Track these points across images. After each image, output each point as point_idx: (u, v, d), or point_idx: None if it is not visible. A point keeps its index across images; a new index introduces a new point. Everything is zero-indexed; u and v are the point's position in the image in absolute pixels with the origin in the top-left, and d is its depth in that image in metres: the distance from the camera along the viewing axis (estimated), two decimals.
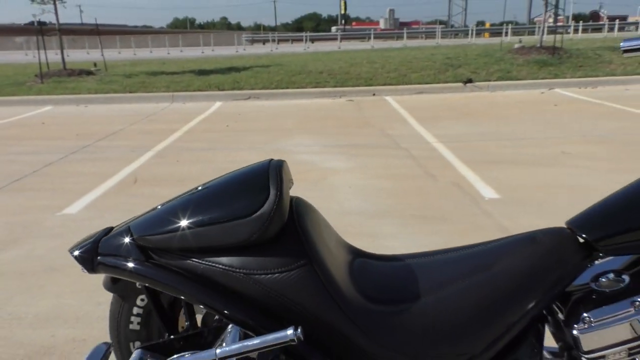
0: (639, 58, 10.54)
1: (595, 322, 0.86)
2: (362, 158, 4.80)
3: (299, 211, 0.91)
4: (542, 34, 11.90)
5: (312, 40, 35.03)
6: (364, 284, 0.92)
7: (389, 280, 0.95)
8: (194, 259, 0.85)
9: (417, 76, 9.87)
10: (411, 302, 0.89)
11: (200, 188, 0.94)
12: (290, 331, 0.74)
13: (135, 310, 1.24)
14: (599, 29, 35.18)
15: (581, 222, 0.93)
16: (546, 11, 13.89)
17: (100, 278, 1.18)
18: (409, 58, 12.32)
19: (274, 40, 33.86)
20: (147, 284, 0.90)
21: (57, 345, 2.02)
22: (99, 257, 0.91)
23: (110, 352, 1.01)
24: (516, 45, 12.47)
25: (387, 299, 0.89)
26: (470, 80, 9.26)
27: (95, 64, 13.37)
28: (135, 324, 1.26)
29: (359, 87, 9.39)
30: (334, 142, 5.50)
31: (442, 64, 10.98)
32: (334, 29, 58.75)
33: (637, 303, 0.86)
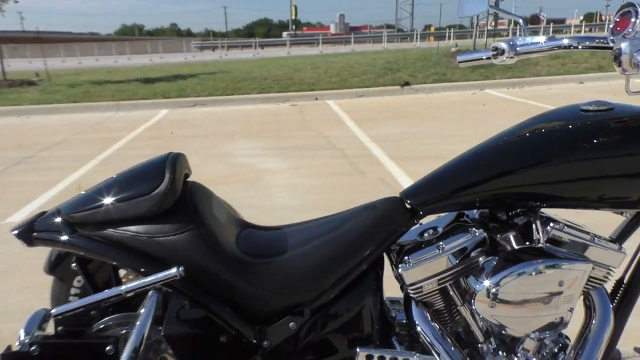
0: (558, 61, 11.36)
1: (412, 262, 1.17)
2: (298, 159, 5.10)
3: (192, 191, 1.19)
4: (475, 38, 12.62)
5: (262, 46, 35.24)
6: (246, 245, 1.20)
7: (267, 243, 1.23)
8: (109, 229, 1.11)
9: (358, 80, 10.29)
10: (281, 255, 1.17)
11: (114, 175, 1.20)
12: (174, 269, 1.01)
13: (73, 290, 1.47)
14: (536, 32, 37.00)
15: (408, 191, 1.25)
16: (488, 16, 14.70)
17: (44, 278, 1.40)
18: (351, 63, 12.77)
19: (223, 47, 33.86)
20: (74, 251, 1.15)
21: (4, 338, 2.20)
22: (34, 233, 1.15)
23: (49, 318, 1.20)
24: (452, 49, 13.17)
25: (263, 254, 1.18)
26: (407, 83, 9.76)
27: (37, 74, 13.12)
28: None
29: (302, 92, 9.72)
30: (273, 145, 5.78)
31: (382, 68, 11.48)
32: (285, 34, 59.12)
33: (441, 246, 1.17)
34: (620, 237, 1.30)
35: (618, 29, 1.19)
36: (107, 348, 0.98)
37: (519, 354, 1.23)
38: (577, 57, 11.60)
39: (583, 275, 1.13)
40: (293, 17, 59.27)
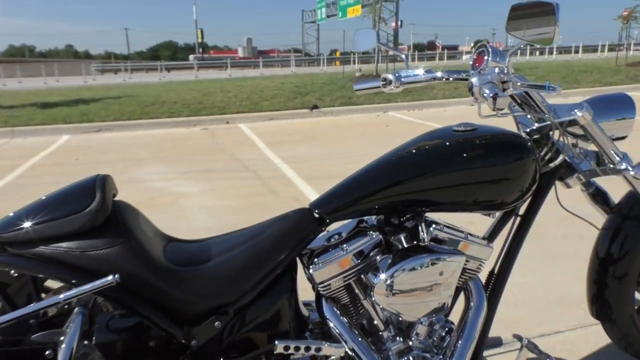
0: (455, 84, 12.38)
1: (321, 263, 1.35)
2: (212, 182, 5.17)
3: (120, 208, 1.29)
4: (377, 64, 13.41)
5: (169, 69, 34.57)
6: (173, 256, 1.31)
7: (192, 253, 1.36)
8: (41, 246, 1.18)
9: (268, 104, 10.52)
10: (205, 263, 1.31)
11: (43, 197, 1.27)
12: (110, 277, 1.11)
13: None
14: (433, 58, 39.74)
15: (316, 202, 1.43)
16: (387, 42, 15.63)
17: None
18: (260, 87, 13.00)
19: (127, 70, 32.73)
20: (6, 269, 1.20)
21: None
22: None
23: None
24: (357, 74, 13.86)
25: (189, 263, 1.30)
26: (316, 107, 10.14)
27: None
28: None
29: (213, 115, 9.75)
30: (186, 169, 5.79)
31: (291, 92, 11.82)
32: (191, 57, 58.27)
33: (345, 247, 1.37)
34: (491, 235, 1.59)
35: (476, 64, 1.48)
36: (47, 352, 1.05)
37: (412, 338, 1.44)
38: None
39: (458, 266, 1.38)
40: (199, 40, 58.72)
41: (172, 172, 5.67)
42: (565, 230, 3.29)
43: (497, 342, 2.12)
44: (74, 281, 1.17)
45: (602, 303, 1.81)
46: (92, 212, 1.19)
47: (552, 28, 1.26)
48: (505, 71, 1.37)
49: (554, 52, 34.37)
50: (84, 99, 12.13)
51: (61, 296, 1.10)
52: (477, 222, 1.87)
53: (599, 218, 1.82)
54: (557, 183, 1.66)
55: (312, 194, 4.52)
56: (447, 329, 1.51)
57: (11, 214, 1.24)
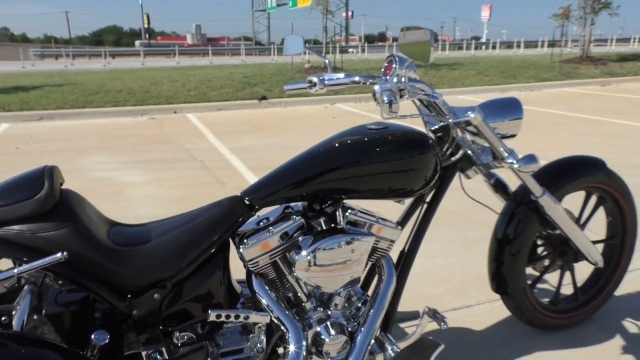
0: None
1: (250, 243, 1.55)
2: (159, 171, 5.24)
3: (67, 196, 1.43)
4: (325, 55, 13.60)
5: (113, 55, 33.43)
6: (116, 237, 1.47)
7: (133, 235, 1.52)
8: None
9: (217, 94, 10.55)
10: (146, 244, 1.47)
11: None
12: (59, 254, 1.26)
13: None
14: (383, 49, 40.36)
15: (247, 189, 1.63)
16: (338, 34, 15.85)
17: None
18: (209, 77, 12.95)
19: (68, 56, 31.40)
20: None
21: None
22: None
23: None
24: (306, 65, 14.03)
25: (130, 244, 1.47)
26: (264, 97, 10.26)
27: None
28: None
29: (160, 105, 9.69)
30: (133, 159, 5.82)
31: (240, 82, 11.87)
32: (137, 43, 56.51)
33: (271, 230, 1.57)
34: (403, 220, 1.83)
35: (387, 71, 1.72)
36: (2, 318, 1.19)
37: (331, 308, 1.67)
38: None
39: (368, 246, 1.61)
40: (146, 26, 56.99)
41: (118, 161, 5.69)
42: (486, 218, 3.63)
43: (416, 315, 2.39)
44: (25, 259, 1.31)
45: (500, 279, 2.10)
46: (41, 198, 1.33)
47: (428, 50, 1.50)
48: (403, 80, 1.60)
49: (498, 47, 35.75)
50: (23, 86, 11.70)
51: (15, 270, 1.25)
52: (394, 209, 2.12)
53: (500, 205, 2.11)
54: (460, 175, 1.92)
55: None
56: (363, 301, 1.74)
57: None
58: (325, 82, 1.82)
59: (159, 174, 5.13)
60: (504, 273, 2.08)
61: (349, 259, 1.58)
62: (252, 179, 4.92)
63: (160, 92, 10.67)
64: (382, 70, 1.77)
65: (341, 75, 1.83)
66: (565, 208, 2.07)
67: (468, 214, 3.63)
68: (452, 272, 2.86)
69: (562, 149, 5.86)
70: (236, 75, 13.21)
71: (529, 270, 2.18)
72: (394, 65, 1.69)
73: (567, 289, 2.34)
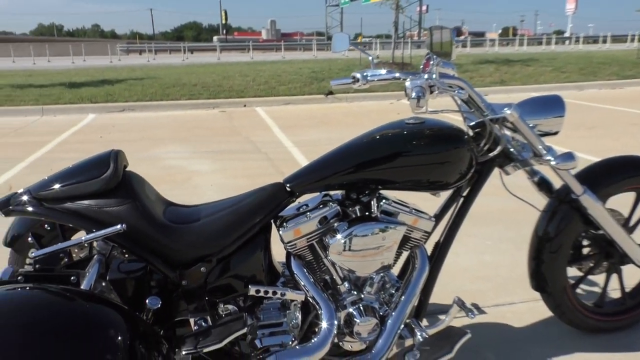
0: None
1: (289, 226, 1.68)
2: (225, 161, 5.54)
3: (130, 176, 1.64)
4: (394, 51, 13.56)
5: (192, 50, 35.01)
6: (170, 215, 1.66)
7: (186, 214, 1.70)
8: (68, 203, 1.54)
9: (285, 88, 10.84)
10: (195, 222, 1.65)
11: (70, 165, 1.63)
12: (119, 226, 1.46)
13: (28, 260, 1.87)
14: (457, 45, 39.22)
15: (289, 177, 1.77)
16: (412, 28, 15.76)
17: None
18: (279, 72, 13.30)
19: (151, 51, 33.26)
20: (43, 219, 1.57)
21: None
22: (10, 207, 1.55)
23: (16, 272, 1.58)
24: (375, 61, 13.99)
25: (182, 222, 1.65)
26: (331, 93, 10.41)
27: None
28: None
29: (231, 98, 10.12)
30: (202, 149, 6.17)
31: (308, 77, 12.10)
32: (215, 38, 58.58)
33: (309, 215, 1.69)
34: (441, 213, 1.90)
35: (425, 68, 1.79)
36: (72, 277, 1.40)
37: (365, 291, 1.77)
38: (483, 71, 12.83)
39: (399, 234, 1.69)
40: (223, 22, 58.98)
41: (189, 151, 6.06)
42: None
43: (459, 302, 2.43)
44: (94, 230, 1.53)
45: (540, 277, 2.10)
46: (106, 178, 1.54)
47: (449, 46, 1.56)
48: (433, 77, 1.67)
49: (581, 42, 33.76)
50: (109, 79, 12.61)
51: (82, 238, 1.46)
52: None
53: (544, 203, 2.11)
54: (500, 171, 1.95)
55: None
56: (396, 287, 1.83)
57: (46, 177, 1.60)
58: (368, 77, 1.92)
59: (225, 164, 5.42)
60: (543, 271, 2.08)
61: (380, 246, 1.67)
62: None
63: (232, 86, 11.13)
64: (421, 67, 1.84)
65: (383, 71, 1.92)
66: (613, 209, 2.04)
67: (524, 213, 3.57)
68: (498, 270, 2.86)
69: (636, 149, 5.55)
70: (305, 70, 13.47)
71: (575, 271, 2.16)
72: (431, 62, 1.76)
73: (617, 292, 2.29)
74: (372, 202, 1.74)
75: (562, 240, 2.03)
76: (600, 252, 2.14)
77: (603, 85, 11.44)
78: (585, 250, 2.18)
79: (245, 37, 64.79)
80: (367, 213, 1.73)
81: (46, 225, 1.83)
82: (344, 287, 1.78)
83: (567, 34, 44.71)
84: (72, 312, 1.20)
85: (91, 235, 1.47)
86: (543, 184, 2.09)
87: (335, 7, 55.08)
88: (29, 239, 1.84)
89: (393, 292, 1.83)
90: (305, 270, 1.72)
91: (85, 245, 1.88)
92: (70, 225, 1.60)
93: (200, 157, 5.77)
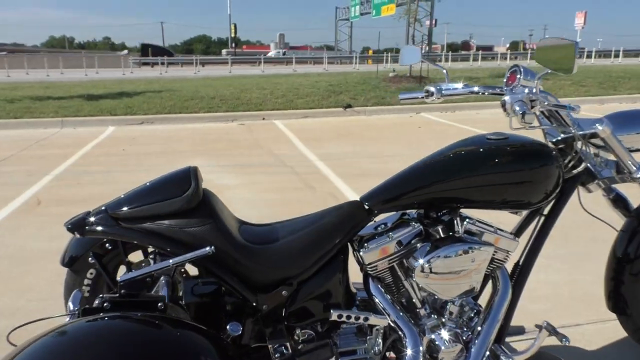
0: None
1: (370, 247, 1.59)
2: (252, 175, 5.47)
3: (207, 194, 1.56)
4: (411, 65, 13.51)
5: (203, 64, 35.22)
6: (247, 236, 1.58)
7: (262, 234, 1.62)
8: (147, 223, 1.46)
9: (303, 102, 10.81)
10: (274, 243, 1.57)
11: (147, 183, 1.55)
12: (207, 248, 1.38)
13: (86, 281, 1.78)
14: (467, 59, 39.30)
15: (366, 195, 1.68)
16: (422, 42, 15.80)
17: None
18: (295, 85, 13.29)
19: (163, 64, 33.51)
20: (119, 239, 1.49)
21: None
22: (87, 227, 1.48)
23: (83, 298, 1.52)
24: (390, 74, 14.00)
25: (261, 242, 1.56)
26: (349, 106, 10.37)
27: None
28: (85, 292, 1.80)
29: (249, 111, 10.09)
30: (227, 162, 6.11)
31: (325, 90, 12.07)
32: (224, 51, 59.05)
33: (390, 235, 1.61)
34: (518, 231, 1.80)
35: (509, 82, 1.71)
36: (159, 304, 1.31)
37: (445, 316, 1.68)
38: (502, 84, 12.73)
39: (487, 256, 1.60)
40: (232, 35, 59.48)
41: (214, 165, 6.00)
42: (594, 234, 3.45)
43: (521, 330, 2.32)
44: (169, 250, 1.45)
45: (618, 298, 2.00)
46: (188, 196, 1.46)
47: (572, 61, 1.47)
48: (534, 91, 1.59)
49: (593, 56, 33.67)
50: (127, 92, 12.64)
51: (170, 261, 1.38)
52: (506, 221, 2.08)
53: (619, 221, 2.01)
54: (580, 188, 1.86)
55: (347, 191, 4.76)
56: (475, 311, 1.73)
57: (122, 196, 1.53)
58: (443, 91, 1.84)
59: (252, 178, 5.35)
60: (623, 293, 1.98)
61: (468, 268, 1.58)
62: (341, 185, 5.00)
63: (250, 99, 11.11)
64: (505, 80, 1.76)
65: (459, 85, 1.84)
66: None
67: (574, 229, 3.46)
68: (557, 289, 2.75)
69: None
70: (321, 83, 13.45)
71: None
72: (518, 76, 1.68)
73: None
74: (455, 221, 1.65)
75: None
76: None
77: (624, 99, 11.33)
78: None
79: (254, 50, 65.23)
80: (450, 233, 1.64)
81: (107, 245, 1.75)
82: (424, 311, 1.68)
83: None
84: (171, 342, 1.11)
85: (179, 258, 1.39)
86: (619, 201, 1.99)
87: (344, 22, 55.48)
88: (90, 259, 1.76)
89: (472, 315, 1.73)
90: (387, 295, 1.63)
91: (142, 264, 1.80)
92: (150, 246, 1.51)
93: (226, 171, 5.70)
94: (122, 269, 1.81)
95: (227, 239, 1.47)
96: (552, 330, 1.69)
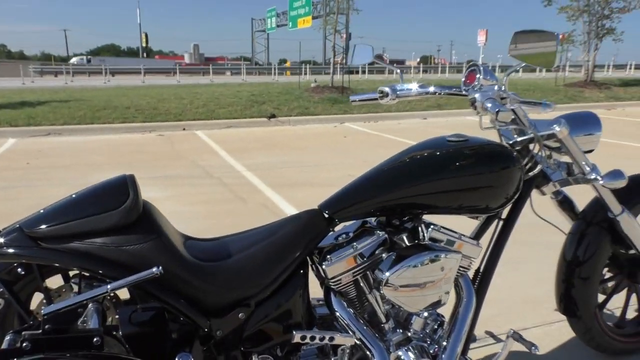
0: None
1: (334, 259, 1.45)
2: (177, 188, 5.14)
3: (147, 206, 1.34)
4: (332, 76, 13.66)
5: (113, 73, 33.44)
6: (194, 252, 1.37)
7: (211, 250, 1.42)
8: (75, 242, 1.21)
9: (225, 111, 10.50)
10: (228, 259, 1.37)
11: (73, 195, 1.30)
12: (154, 269, 1.16)
13: None
14: (382, 71, 40.58)
15: (325, 203, 1.54)
16: (340, 54, 16.03)
17: None
18: (216, 94, 12.92)
19: (68, 73, 31.37)
20: (39, 263, 1.22)
21: None
22: None
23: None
24: (312, 85, 14.04)
25: (211, 259, 1.37)
26: (273, 116, 10.22)
27: None
28: None
29: (168, 122, 9.62)
30: (148, 175, 5.71)
31: (248, 100, 11.83)
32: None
33: (355, 245, 1.48)
34: (476, 236, 1.74)
35: (467, 81, 1.65)
36: (95, 339, 1.08)
37: (410, 330, 1.57)
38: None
39: (457, 263, 1.52)
40: (144, 45, 57.25)
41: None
42: (528, 238, 3.54)
43: (473, 338, 2.28)
44: (101, 272, 1.21)
45: (569, 300, 2.00)
46: (127, 209, 1.24)
47: (553, 53, 1.43)
48: (503, 88, 1.54)
49: (497, 70, 36.09)
50: (29, 101, 11.60)
51: (108, 286, 1.14)
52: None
53: (566, 224, 2.03)
54: (534, 192, 1.84)
55: (280, 202, 4.60)
56: (438, 322, 1.64)
57: (42, 210, 1.27)
58: (398, 92, 1.75)
59: (177, 190, 5.03)
60: (573, 295, 1.98)
61: (437, 277, 1.48)
62: (272, 195, 4.82)
63: (168, 109, 10.61)
64: (463, 80, 1.69)
65: (414, 85, 1.76)
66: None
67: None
68: (500, 293, 2.76)
69: None
70: (243, 93, 13.18)
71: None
72: (477, 75, 1.62)
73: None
74: (420, 229, 1.55)
75: (593, 264, 1.95)
76: (622, 273, 2.09)
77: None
78: (605, 270, 2.12)
79: (167, 60, 63.22)
80: (415, 241, 1.54)
81: (18, 269, 1.47)
82: (388, 325, 1.56)
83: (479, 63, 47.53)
84: None
85: (120, 282, 1.15)
86: (566, 204, 2.01)
87: (261, 33, 55.38)
88: None
89: (435, 327, 1.64)
90: (351, 310, 1.49)
91: (63, 290, 1.54)
92: (78, 269, 1.26)
93: (148, 183, 5.32)
94: (37, 297, 1.53)
95: (174, 257, 1.27)
96: (519, 339, 1.63)
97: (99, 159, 6.67)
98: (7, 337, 1.16)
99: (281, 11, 29.77)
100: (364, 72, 34.14)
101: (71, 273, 1.56)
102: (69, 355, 0.98)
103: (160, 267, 1.16)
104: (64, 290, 1.56)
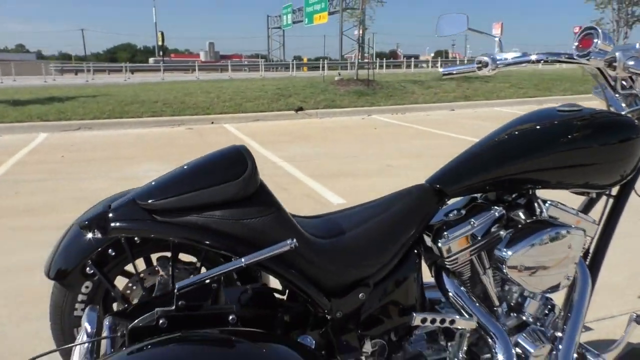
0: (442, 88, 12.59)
1: (451, 237, 1.35)
2: None
3: (261, 180, 1.26)
4: (357, 69, 13.53)
5: (132, 71, 33.66)
6: (306, 229, 1.29)
7: (323, 227, 1.33)
8: (193, 215, 1.13)
9: (252, 105, 10.43)
10: (342, 235, 1.28)
11: (185, 166, 1.22)
12: (289, 241, 1.06)
13: (80, 297, 1.41)
14: (398, 66, 40.23)
15: (434, 177, 1.43)
16: (358, 49, 15.89)
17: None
18: (241, 89, 12.87)
19: (88, 71, 31.65)
20: (157, 237, 1.13)
21: None
22: (111, 223, 1.12)
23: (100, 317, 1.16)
24: (336, 78, 13.91)
25: (328, 236, 1.28)
26: (301, 108, 10.13)
27: None
28: (79, 310, 1.43)
29: (197, 115, 9.59)
30: None
31: (274, 94, 11.76)
32: (151, 60, 57.03)
33: (472, 222, 1.37)
34: (584, 211, 1.62)
35: (581, 46, 1.52)
36: (231, 317, 0.99)
37: (525, 313, 1.46)
38: (446, 87, 13.00)
39: (582, 240, 1.40)
40: (160, 43, 57.60)
41: (169, 169, 5.53)
42: None
43: None
44: (233, 250, 1.13)
45: None
46: (246, 179, 1.15)
47: None
48: (637, 46, 1.41)
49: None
50: (57, 97, 11.67)
51: (243, 259, 1.05)
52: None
53: None
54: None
55: (323, 191, 4.50)
56: (549, 306, 1.53)
57: (152, 183, 1.19)
58: (498, 61, 1.63)
59: None
60: None
61: (564, 255, 1.37)
62: (315, 185, 4.73)
63: (196, 102, 10.58)
64: (575, 45, 1.57)
65: (516, 54, 1.64)
66: None
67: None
68: None
69: None
70: (269, 87, 13.10)
71: None
72: (595, 40, 1.50)
73: None
74: (536, 204, 1.43)
75: None
76: None
77: (559, 100, 11.87)
78: None
79: (184, 58, 63.49)
80: (533, 217, 1.42)
81: (109, 251, 1.39)
82: (501, 309, 1.46)
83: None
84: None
85: (254, 255, 1.06)
86: None
87: (276, 30, 55.33)
88: (87, 269, 1.39)
89: (546, 311, 1.53)
90: (464, 290, 1.38)
91: (149, 274, 1.46)
92: (197, 245, 1.16)
93: None
94: (121, 282, 1.46)
95: (295, 232, 1.17)
96: None
97: (132, 152, 6.65)
98: (106, 322, 1.07)
99: (297, 7, 29.65)
100: (381, 66, 33.89)
101: (153, 257, 1.48)
102: (213, 332, 0.89)
103: (294, 240, 1.07)
104: (149, 273, 1.48)
